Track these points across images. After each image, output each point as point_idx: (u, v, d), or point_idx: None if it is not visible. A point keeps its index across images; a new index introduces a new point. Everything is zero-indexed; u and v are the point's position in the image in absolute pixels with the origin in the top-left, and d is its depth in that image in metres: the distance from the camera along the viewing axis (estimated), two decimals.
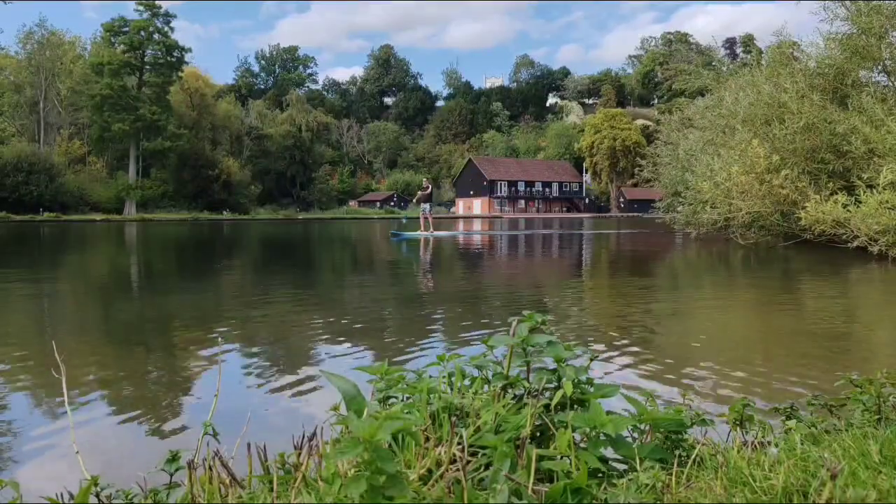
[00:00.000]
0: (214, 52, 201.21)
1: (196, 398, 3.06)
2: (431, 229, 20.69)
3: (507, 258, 13.70)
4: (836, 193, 12.41)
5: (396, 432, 1.24)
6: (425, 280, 9.01)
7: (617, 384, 1.60)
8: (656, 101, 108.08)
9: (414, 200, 22.11)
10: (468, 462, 1.23)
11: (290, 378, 3.42)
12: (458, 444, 1.29)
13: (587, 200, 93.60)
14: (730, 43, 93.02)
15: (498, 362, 1.70)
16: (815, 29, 17.15)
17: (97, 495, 1.33)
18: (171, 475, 1.46)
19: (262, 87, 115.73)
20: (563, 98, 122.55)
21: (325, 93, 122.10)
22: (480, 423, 1.42)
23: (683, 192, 19.22)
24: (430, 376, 1.65)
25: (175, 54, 64.27)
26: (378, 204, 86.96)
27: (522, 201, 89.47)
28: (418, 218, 21.53)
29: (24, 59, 65.27)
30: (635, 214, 74.82)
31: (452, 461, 1.27)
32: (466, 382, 1.68)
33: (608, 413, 1.40)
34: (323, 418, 1.53)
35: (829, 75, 14.68)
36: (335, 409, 1.51)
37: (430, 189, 21.60)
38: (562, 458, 1.33)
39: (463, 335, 4.60)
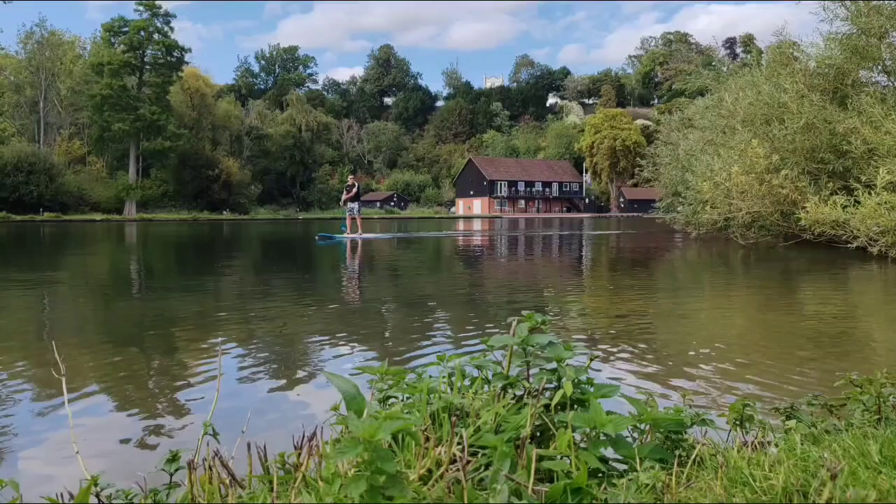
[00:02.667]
0: (217, 53, 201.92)
1: (196, 398, 3.06)
2: (360, 231, 19.20)
3: (478, 265, 13.69)
4: (836, 193, 12.41)
5: (396, 432, 1.24)
6: (414, 279, 9.01)
7: (617, 384, 1.60)
8: (656, 101, 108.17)
9: (341, 203, 19.81)
10: (468, 462, 1.23)
11: (290, 378, 3.42)
12: (458, 444, 1.29)
13: (587, 200, 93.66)
14: (730, 43, 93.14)
15: (498, 362, 1.70)
16: (816, 29, 17.15)
17: (97, 495, 1.33)
18: (171, 475, 1.46)
19: (262, 87, 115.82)
20: (563, 98, 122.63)
21: (325, 93, 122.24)
22: (480, 423, 1.42)
23: (683, 192, 19.24)
24: (430, 376, 1.65)
25: (175, 54, 64.36)
26: (378, 204, 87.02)
27: (522, 201, 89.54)
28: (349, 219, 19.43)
29: (24, 59, 65.29)
30: (635, 214, 74.87)
31: (452, 461, 1.27)
32: (466, 382, 1.68)
33: (608, 413, 1.40)
34: (323, 418, 1.53)
35: (829, 75, 14.69)
36: (335, 409, 1.51)
37: (356, 186, 19.55)
38: (562, 458, 1.33)
39: (463, 335, 4.60)
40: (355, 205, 19.21)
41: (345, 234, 18.77)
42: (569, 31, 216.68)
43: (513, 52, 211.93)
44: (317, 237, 18.84)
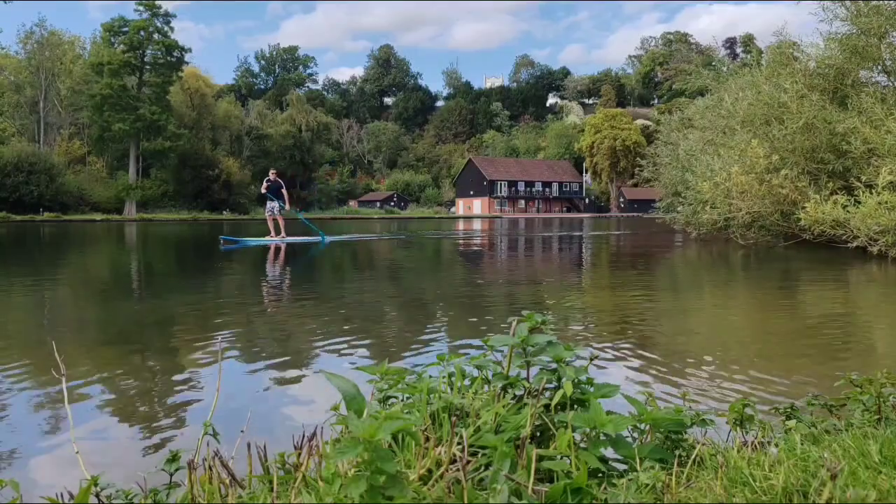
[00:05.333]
0: (218, 53, 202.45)
1: (196, 398, 3.06)
2: (283, 234, 17.07)
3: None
4: (836, 193, 12.40)
5: (396, 432, 1.24)
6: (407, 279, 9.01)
7: (617, 384, 1.60)
8: (656, 101, 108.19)
9: (286, 206, 17.30)
10: (468, 462, 1.23)
11: (290, 378, 3.42)
12: (458, 444, 1.29)
13: (587, 200, 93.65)
14: (730, 42, 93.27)
15: (498, 362, 1.70)
16: (816, 29, 17.16)
17: (97, 495, 1.33)
18: (171, 475, 1.46)
19: (262, 87, 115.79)
20: (562, 98, 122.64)
21: (325, 93, 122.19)
22: (480, 423, 1.42)
23: (683, 192, 19.22)
24: (430, 376, 1.65)
25: (175, 54, 64.35)
26: (378, 204, 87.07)
27: (522, 201, 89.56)
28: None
29: (24, 60, 65.29)
30: (635, 214, 74.88)
31: (452, 461, 1.27)
32: (466, 382, 1.68)
33: (608, 413, 1.40)
34: (323, 418, 1.53)
35: (829, 75, 14.68)
36: (335, 409, 1.51)
37: (278, 183, 17.28)
38: (562, 458, 1.33)
39: (463, 335, 4.60)
40: (275, 204, 17.12)
41: (267, 238, 16.72)
42: (570, 31, 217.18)
43: (514, 52, 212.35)
44: (220, 239, 16.70)
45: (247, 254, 14.32)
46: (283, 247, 15.27)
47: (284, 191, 17.35)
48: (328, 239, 17.42)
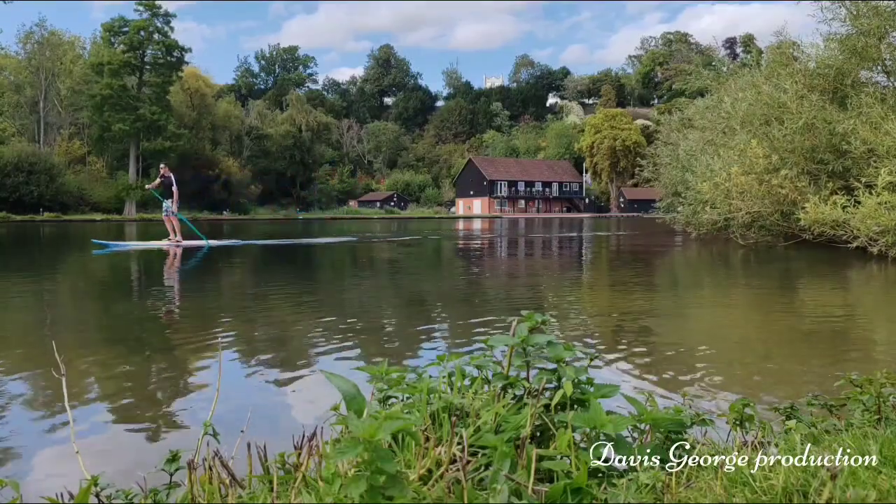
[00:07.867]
0: (220, 54, 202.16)
1: (196, 398, 3.06)
2: (179, 237, 15.05)
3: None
4: (836, 193, 12.41)
5: (396, 432, 1.24)
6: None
7: (617, 384, 1.60)
8: (656, 101, 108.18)
9: (158, 195, 15.65)
10: (468, 462, 1.23)
11: (290, 378, 3.42)
12: (458, 444, 1.29)
13: (587, 200, 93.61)
14: (730, 43, 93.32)
15: (498, 362, 1.70)
16: (816, 30, 17.18)
17: (97, 495, 1.33)
18: (171, 475, 1.46)
19: (262, 87, 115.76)
20: (562, 98, 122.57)
21: (325, 93, 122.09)
22: (480, 423, 1.42)
23: (683, 193, 19.24)
24: (430, 376, 1.65)
25: (175, 54, 64.28)
26: (378, 204, 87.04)
27: (522, 201, 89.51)
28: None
29: (24, 60, 65.25)
30: (635, 214, 74.88)
31: (452, 461, 1.27)
32: (466, 382, 1.68)
33: (608, 413, 1.40)
34: (323, 418, 1.53)
35: (829, 76, 14.69)
36: (335, 409, 1.51)
37: (169, 179, 15.30)
38: (562, 458, 1.33)
39: (463, 335, 4.60)
40: (168, 202, 15.16)
41: (166, 241, 15.03)
42: (573, 31, 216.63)
43: (516, 52, 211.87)
44: (93, 242, 15.21)
45: (244, 253, 14.31)
46: (178, 251, 13.81)
47: (175, 189, 15.33)
48: (212, 243, 15.55)
